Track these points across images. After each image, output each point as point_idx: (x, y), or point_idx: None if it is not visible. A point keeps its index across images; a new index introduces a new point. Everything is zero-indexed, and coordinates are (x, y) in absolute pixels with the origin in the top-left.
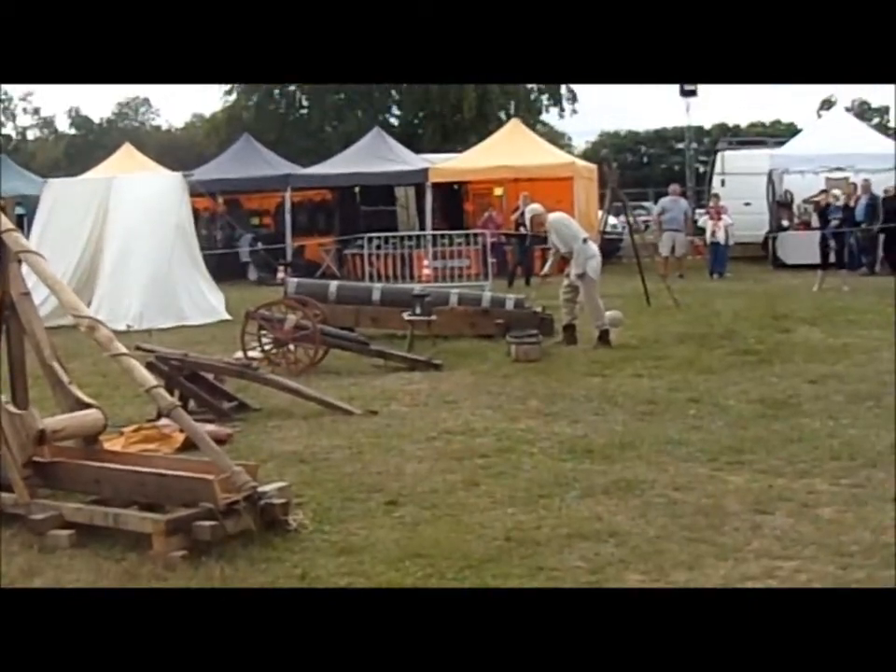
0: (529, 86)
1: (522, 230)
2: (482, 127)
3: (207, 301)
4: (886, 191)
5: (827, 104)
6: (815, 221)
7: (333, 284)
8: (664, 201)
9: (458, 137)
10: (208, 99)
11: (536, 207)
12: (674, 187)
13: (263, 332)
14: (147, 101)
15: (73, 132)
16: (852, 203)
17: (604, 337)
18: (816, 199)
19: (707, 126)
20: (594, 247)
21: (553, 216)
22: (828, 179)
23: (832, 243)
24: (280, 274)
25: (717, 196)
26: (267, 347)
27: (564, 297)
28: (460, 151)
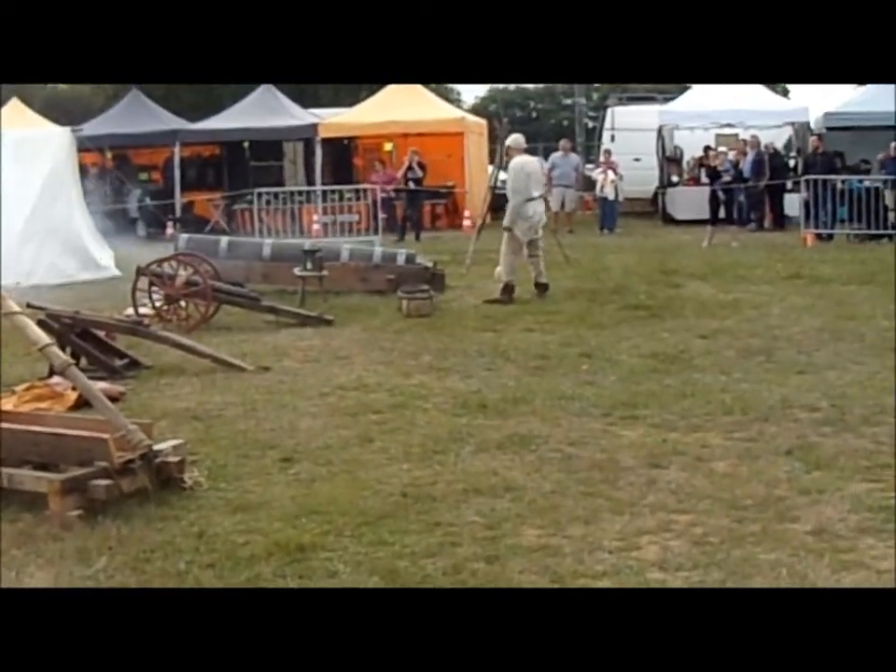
0: None
1: (411, 185)
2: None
3: (96, 257)
4: (767, 147)
5: None
6: (703, 177)
7: (224, 239)
8: (554, 156)
9: (352, 92)
10: None
11: (519, 138)
12: (564, 142)
13: (154, 288)
14: None
15: None
16: (740, 161)
17: (506, 291)
18: (702, 158)
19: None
20: (527, 211)
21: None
22: (717, 135)
23: (721, 197)
24: (169, 230)
25: (608, 151)
26: (158, 304)
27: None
28: (350, 106)
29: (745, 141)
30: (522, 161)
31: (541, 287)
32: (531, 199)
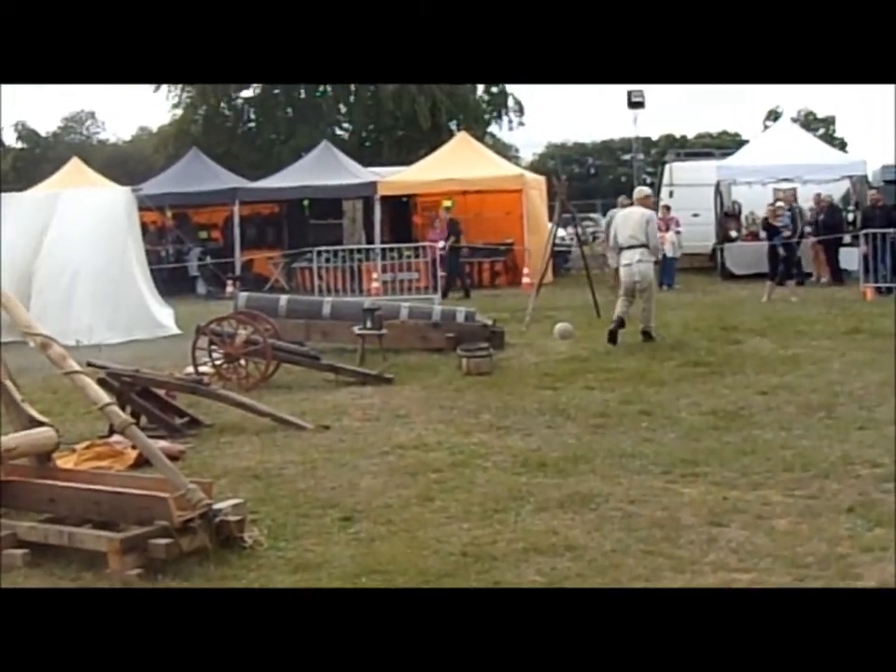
0: (477, 96)
1: (448, 242)
2: (434, 139)
3: (156, 316)
4: (823, 201)
5: (773, 114)
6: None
7: (283, 298)
8: (612, 213)
9: (412, 150)
10: (155, 112)
11: (639, 189)
12: (622, 199)
13: (214, 347)
14: (92, 115)
15: (20, 145)
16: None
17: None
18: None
19: (655, 137)
20: (622, 259)
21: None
22: (775, 190)
23: (781, 253)
24: (229, 288)
25: (667, 207)
26: (218, 362)
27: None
28: (410, 164)
29: (794, 195)
30: (613, 211)
31: (643, 335)
32: (621, 248)
